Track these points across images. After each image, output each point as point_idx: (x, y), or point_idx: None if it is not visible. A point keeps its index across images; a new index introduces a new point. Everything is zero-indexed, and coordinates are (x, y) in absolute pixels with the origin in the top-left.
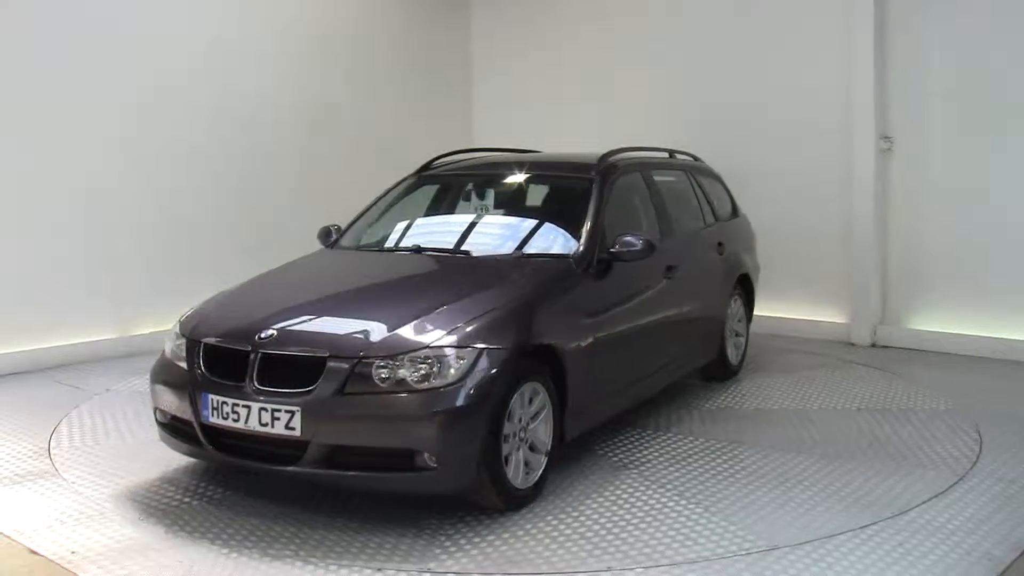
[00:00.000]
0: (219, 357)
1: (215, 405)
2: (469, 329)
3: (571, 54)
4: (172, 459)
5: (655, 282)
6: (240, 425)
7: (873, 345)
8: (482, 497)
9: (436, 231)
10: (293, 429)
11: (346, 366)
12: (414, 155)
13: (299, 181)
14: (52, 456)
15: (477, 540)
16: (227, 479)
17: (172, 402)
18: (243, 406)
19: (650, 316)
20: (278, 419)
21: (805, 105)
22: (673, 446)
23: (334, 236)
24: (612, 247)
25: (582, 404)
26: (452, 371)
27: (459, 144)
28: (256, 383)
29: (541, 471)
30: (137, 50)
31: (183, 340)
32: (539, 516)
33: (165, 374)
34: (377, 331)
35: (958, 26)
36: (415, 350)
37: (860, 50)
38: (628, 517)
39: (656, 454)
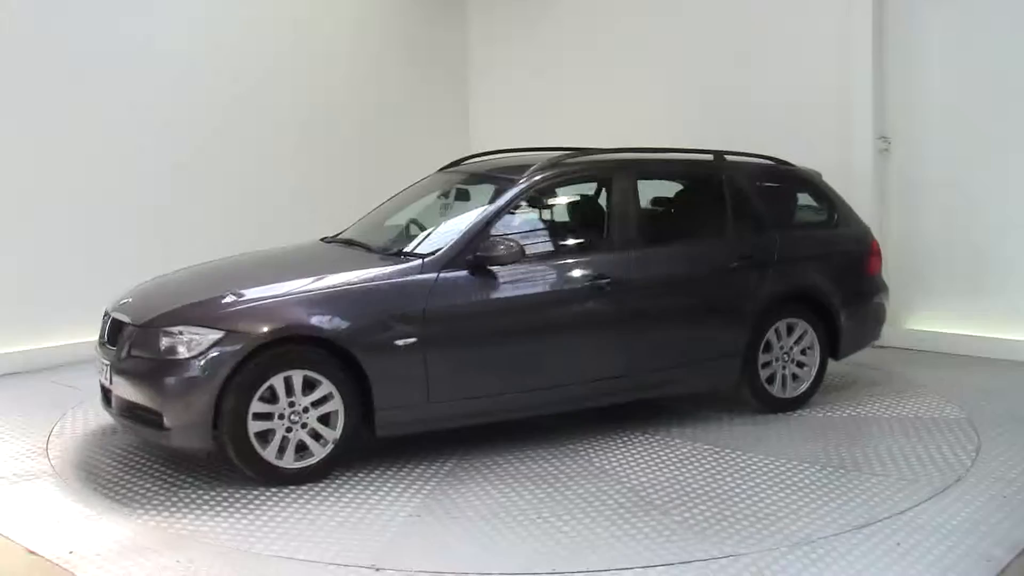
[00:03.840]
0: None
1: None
2: (226, 312)
3: (570, 53)
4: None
5: (570, 292)
6: (99, 377)
7: (872, 345)
8: (234, 465)
9: (388, 226)
10: (108, 381)
11: (131, 332)
12: (412, 154)
13: (298, 181)
14: (50, 456)
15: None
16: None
17: None
18: (99, 361)
19: (552, 326)
20: (104, 372)
21: (803, 106)
22: (527, 467)
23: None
24: (479, 251)
25: (403, 404)
26: (192, 346)
27: (455, 143)
28: (106, 342)
29: (322, 457)
30: (136, 50)
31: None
32: (290, 497)
33: None
34: (172, 306)
35: (957, 26)
36: (171, 325)
37: (859, 50)
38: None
39: (496, 472)
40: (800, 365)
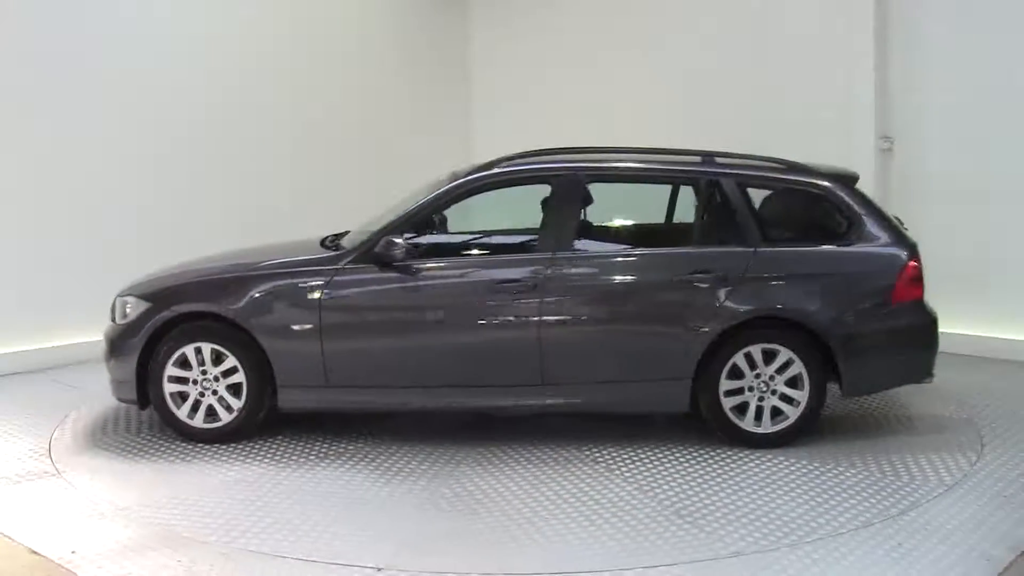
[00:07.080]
0: None
1: None
2: (155, 288)
3: (572, 52)
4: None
5: (479, 294)
6: None
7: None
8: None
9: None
10: None
11: (113, 302)
12: (413, 153)
13: (298, 181)
14: (52, 456)
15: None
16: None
17: None
18: None
19: (454, 326)
20: None
21: (805, 105)
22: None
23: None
24: (378, 248)
25: (302, 383)
26: (125, 315)
27: (456, 142)
28: None
29: (228, 421)
30: (136, 51)
31: None
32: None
33: None
34: (136, 281)
35: (958, 26)
36: (126, 296)
37: (860, 50)
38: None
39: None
40: (788, 400)
